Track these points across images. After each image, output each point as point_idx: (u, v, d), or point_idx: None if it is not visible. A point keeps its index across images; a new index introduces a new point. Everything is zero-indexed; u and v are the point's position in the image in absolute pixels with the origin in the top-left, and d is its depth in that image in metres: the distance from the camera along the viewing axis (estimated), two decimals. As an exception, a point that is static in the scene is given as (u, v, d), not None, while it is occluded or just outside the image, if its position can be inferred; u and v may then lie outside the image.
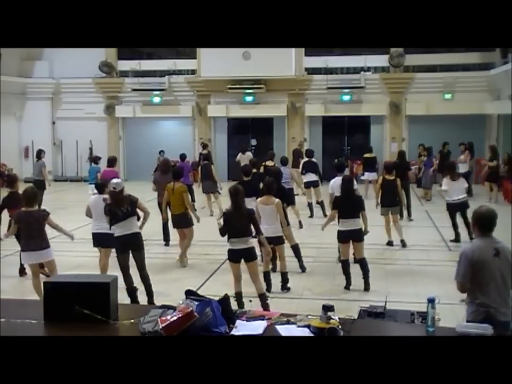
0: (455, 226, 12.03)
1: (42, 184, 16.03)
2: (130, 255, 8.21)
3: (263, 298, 7.76)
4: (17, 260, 9.84)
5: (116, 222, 8.04)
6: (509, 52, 19.43)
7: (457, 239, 11.97)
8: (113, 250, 8.58)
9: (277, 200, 8.76)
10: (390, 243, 11.84)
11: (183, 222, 10.56)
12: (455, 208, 11.88)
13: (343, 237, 8.98)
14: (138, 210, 8.26)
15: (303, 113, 23.29)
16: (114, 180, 8.26)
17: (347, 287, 8.98)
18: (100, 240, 9.01)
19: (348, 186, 9.06)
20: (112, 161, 13.57)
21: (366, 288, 8.87)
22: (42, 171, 16.11)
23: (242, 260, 7.73)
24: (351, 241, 8.98)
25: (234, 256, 7.73)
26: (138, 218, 8.31)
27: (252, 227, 7.71)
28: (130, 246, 8.13)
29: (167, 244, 11.94)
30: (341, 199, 9.11)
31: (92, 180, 15.04)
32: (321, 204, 15.06)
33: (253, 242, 7.80)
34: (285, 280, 9.01)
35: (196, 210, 12.12)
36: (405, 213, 14.08)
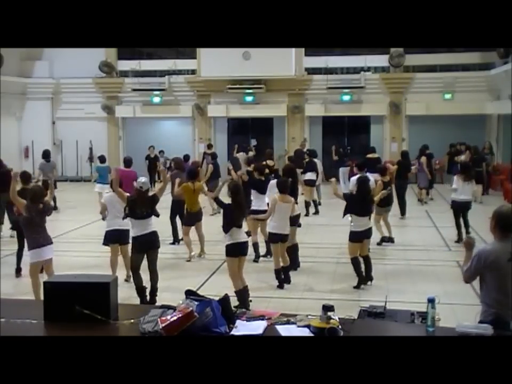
0: (458, 226, 12.15)
1: (54, 185, 16.05)
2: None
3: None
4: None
5: (134, 219, 8.16)
6: (510, 52, 19.41)
7: (460, 239, 11.96)
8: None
9: (293, 199, 9.28)
10: (385, 239, 11.98)
11: (200, 216, 11.28)
12: (460, 208, 12.04)
13: (358, 237, 9.14)
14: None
15: (303, 113, 23.30)
16: (143, 179, 8.41)
17: (358, 286, 9.00)
18: (122, 236, 9.14)
19: (366, 187, 9.27)
20: (130, 162, 13.64)
21: (370, 278, 9.19)
22: (54, 172, 16.13)
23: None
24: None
25: (237, 251, 7.91)
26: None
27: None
28: (148, 245, 8.27)
29: (178, 243, 12.07)
30: (358, 199, 9.20)
31: (103, 179, 15.11)
32: (311, 203, 15.44)
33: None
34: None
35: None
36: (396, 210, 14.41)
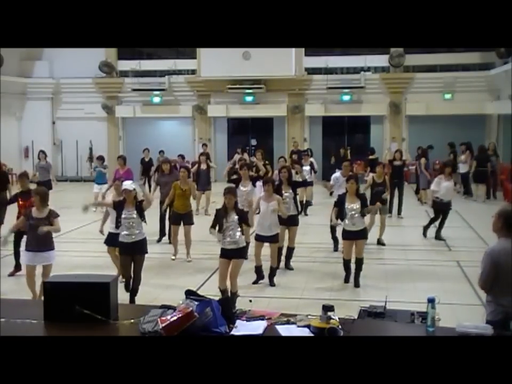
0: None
1: (50, 185, 16.16)
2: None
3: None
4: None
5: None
6: (510, 53, 19.39)
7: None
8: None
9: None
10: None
11: None
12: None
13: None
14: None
15: (303, 113, 23.31)
16: (128, 182, 8.36)
17: (357, 284, 9.10)
18: None
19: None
20: (125, 159, 13.76)
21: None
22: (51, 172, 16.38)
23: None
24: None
25: None
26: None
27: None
28: None
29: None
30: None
31: (102, 179, 15.31)
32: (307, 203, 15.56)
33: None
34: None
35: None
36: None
